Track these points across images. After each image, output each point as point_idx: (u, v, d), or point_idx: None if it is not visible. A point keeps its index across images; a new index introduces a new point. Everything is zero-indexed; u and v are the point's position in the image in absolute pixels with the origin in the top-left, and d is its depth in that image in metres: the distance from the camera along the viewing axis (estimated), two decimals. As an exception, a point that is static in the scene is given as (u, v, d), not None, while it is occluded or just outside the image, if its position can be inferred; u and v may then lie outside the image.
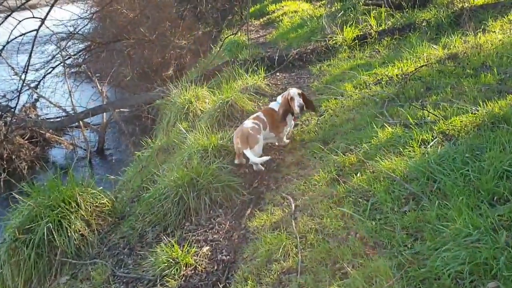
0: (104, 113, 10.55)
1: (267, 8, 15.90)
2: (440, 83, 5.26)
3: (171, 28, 12.92)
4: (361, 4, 10.64)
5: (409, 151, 3.74)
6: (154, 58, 13.23)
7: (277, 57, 8.38)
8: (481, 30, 6.95)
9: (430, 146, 3.69)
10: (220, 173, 4.30)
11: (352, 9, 10.65)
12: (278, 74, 8.11)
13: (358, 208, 3.26)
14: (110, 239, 4.26)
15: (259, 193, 4.21)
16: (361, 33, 8.48)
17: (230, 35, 9.57)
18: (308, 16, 12.27)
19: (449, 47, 6.61)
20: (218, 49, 8.97)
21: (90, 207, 4.43)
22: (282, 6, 15.55)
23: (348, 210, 3.24)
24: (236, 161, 4.69)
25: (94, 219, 4.40)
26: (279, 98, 4.89)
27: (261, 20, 15.11)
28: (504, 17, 7.37)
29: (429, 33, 7.61)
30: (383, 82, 5.84)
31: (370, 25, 8.85)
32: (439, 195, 3.05)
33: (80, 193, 4.47)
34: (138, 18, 12.67)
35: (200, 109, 7.07)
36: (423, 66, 5.87)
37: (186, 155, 4.78)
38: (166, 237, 3.82)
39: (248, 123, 4.57)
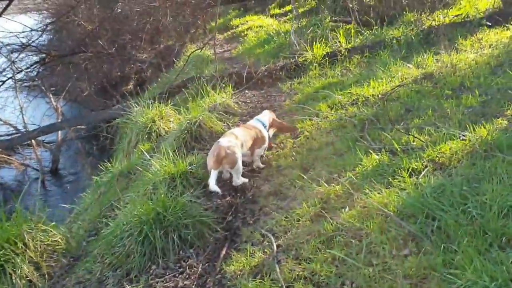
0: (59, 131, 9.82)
1: (231, 23, 15.62)
2: (419, 104, 5.03)
3: (131, 41, 12.37)
4: (328, 20, 10.51)
5: (399, 181, 3.43)
6: (113, 72, 12.61)
7: (245, 74, 8.02)
8: (453, 49, 6.87)
9: (422, 176, 3.39)
10: (190, 206, 3.84)
11: (319, 25, 10.50)
12: (247, 91, 7.75)
13: (350, 250, 2.89)
14: (63, 285, 3.70)
15: (234, 228, 3.78)
16: (331, 50, 8.26)
17: (196, 49, 9.13)
18: (274, 32, 12.04)
19: (423, 66, 6.46)
20: (183, 64, 8.51)
21: (40, 247, 3.87)
22: (246, 21, 15.30)
23: (339, 253, 2.87)
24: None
25: (45, 260, 3.83)
26: (262, 117, 4.77)
27: (225, 34, 14.79)
28: (473, 36, 7.33)
29: (402, 51, 7.45)
30: (359, 103, 5.57)
31: (339, 42, 8.67)
32: (441, 235, 2.73)
33: (29, 230, 3.91)
34: (97, 31, 12.06)
35: (164, 128, 6.59)
36: (400, 86, 5.65)
37: (150, 185, 4.29)
38: (129, 283, 3.32)
39: (224, 142, 4.17)
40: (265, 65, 8.94)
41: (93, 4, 12.62)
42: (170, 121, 6.71)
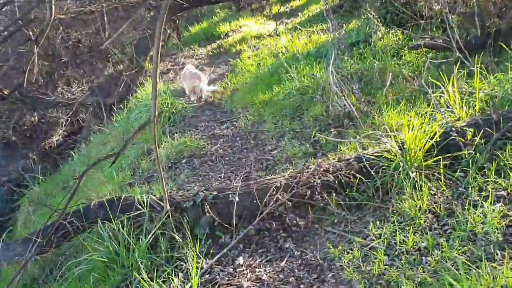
0: None
1: (217, 29, 10.72)
2: None
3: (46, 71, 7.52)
4: (379, 35, 5.80)
5: None
6: (25, 119, 7.79)
7: (236, 199, 3.19)
8: None
9: None
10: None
11: (370, 47, 5.76)
12: (241, 257, 2.95)
13: None
14: None
15: None
16: (441, 130, 3.38)
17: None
18: (284, 51, 7.25)
19: None
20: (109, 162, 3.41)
21: None
22: (240, 26, 10.48)
23: None
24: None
25: None
26: None
27: (209, 47, 9.98)
28: None
29: None
30: None
31: (448, 104, 3.85)
32: None
33: None
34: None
35: None
36: None
37: None
38: None
39: None
40: (276, 145, 4.21)
41: None
42: None
